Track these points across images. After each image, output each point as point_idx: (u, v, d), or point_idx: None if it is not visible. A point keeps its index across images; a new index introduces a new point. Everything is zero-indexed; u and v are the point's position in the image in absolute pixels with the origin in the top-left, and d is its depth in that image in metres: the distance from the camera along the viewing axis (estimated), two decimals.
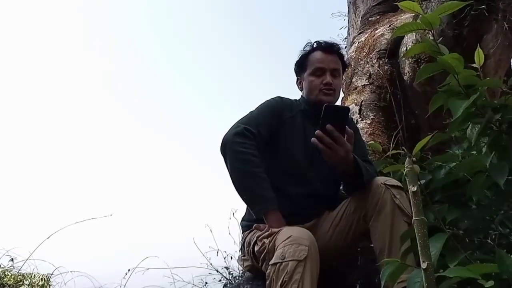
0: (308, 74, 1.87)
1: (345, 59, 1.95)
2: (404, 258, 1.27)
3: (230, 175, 1.68)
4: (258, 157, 1.67)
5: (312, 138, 1.57)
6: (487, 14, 2.16)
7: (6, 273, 3.43)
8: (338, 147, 1.55)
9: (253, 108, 1.86)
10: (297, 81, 1.99)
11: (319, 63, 1.85)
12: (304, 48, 1.94)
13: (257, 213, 1.65)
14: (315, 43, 1.92)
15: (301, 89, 1.95)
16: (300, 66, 1.93)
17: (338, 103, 3.04)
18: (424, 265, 0.78)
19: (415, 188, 0.83)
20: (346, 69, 2.02)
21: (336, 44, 1.93)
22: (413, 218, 0.81)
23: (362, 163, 1.64)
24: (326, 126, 1.55)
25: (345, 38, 4.31)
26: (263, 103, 1.86)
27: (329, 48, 1.88)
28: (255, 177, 1.64)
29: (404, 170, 1.53)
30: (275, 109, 1.84)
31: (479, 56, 1.33)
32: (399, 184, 1.63)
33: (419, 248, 0.78)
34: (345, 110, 1.65)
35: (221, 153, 1.71)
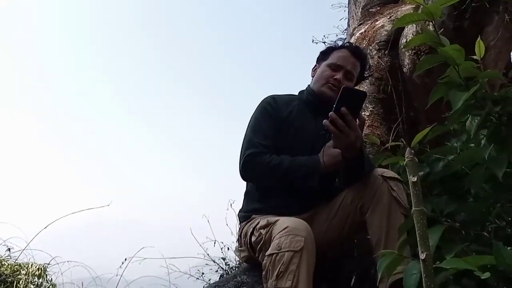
0: (325, 64, 1.89)
1: (366, 72, 1.98)
2: (401, 250, 1.27)
3: (274, 185, 1.75)
4: (271, 155, 1.72)
5: (324, 120, 1.55)
6: (488, 6, 2.14)
7: (3, 263, 3.44)
8: (349, 131, 1.53)
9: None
10: (313, 67, 2.00)
11: (340, 60, 1.86)
12: (335, 41, 1.98)
13: (318, 174, 1.67)
14: (347, 43, 1.98)
15: (313, 76, 1.95)
16: (323, 55, 1.95)
17: None
18: (423, 256, 0.78)
19: (415, 179, 0.82)
20: (362, 81, 2.05)
21: (365, 53, 1.99)
22: (413, 208, 0.80)
23: (366, 154, 1.64)
24: (341, 108, 1.53)
25: (345, 30, 4.29)
26: (256, 111, 1.87)
27: (356, 52, 1.91)
28: (286, 167, 1.68)
29: (403, 162, 1.53)
30: (269, 114, 1.83)
31: (480, 47, 1.32)
32: (396, 176, 1.62)
33: (418, 239, 0.78)
34: (363, 95, 1.61)
35: (248, 180, 1.84)
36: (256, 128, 1.81)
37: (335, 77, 1.82)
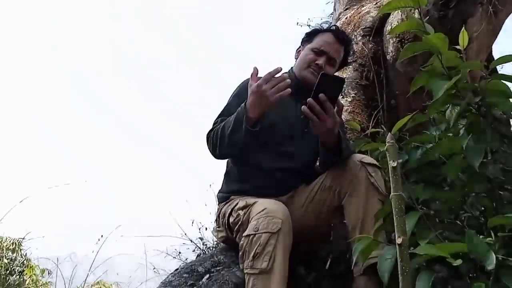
0: (309, 48, 1.86)
1: (349, 57, 1.97)
2: (377, 236, 1.29)
3: (225, 148, 1.70)
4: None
5: (303, 106, 1.54)
6: None
7: None
8: (327, 117, 1.53)
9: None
10: (297, 49, 1.97)
11: (324, 45, 1.83)
12: (321, 24, 1.94)
13: (245, 121, 1.58)
14: (333, 26, 1.94)
15: (296, 58, 1.93)
16: (308, 37, 1.92)
17: None
18: (399, 240, 0.79)
19: (395, 164, 0.82)
20: (344, 66, 2.05)
21: (350, 39, 1.96)
22: (391, 193, 0.81)
23: (344, 140, 1.64)
24: (319, 95, 1.52)
25: (331, 14, 4.26)
26: (231, 95, 1.88)
27: (341, 37, 1.87)
28: (223, 125, 1.67)
29: (382, 148, 1.54)
30: (242, 98, 1.76)
31: (463, 37, 1.32)
32: (375, 162, 1.64)
33: (395, 223, 0.79)
34: (341, 81, 1.61)
35: (215, 156, 1.76)
36: (222, 111, 1.83)
37: (316, 62, 1.80)
